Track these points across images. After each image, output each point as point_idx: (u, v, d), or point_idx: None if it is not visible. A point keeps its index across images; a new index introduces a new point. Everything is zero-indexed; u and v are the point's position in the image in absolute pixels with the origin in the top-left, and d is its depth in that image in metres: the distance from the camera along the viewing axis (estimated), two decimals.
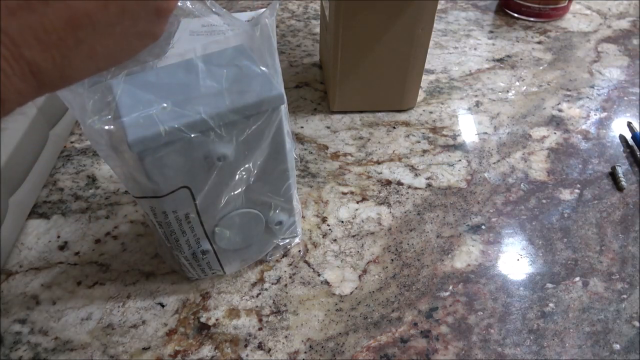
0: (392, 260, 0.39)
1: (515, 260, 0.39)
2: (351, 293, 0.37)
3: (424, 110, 0.53)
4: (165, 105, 0.26)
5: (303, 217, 0.42)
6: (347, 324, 0.35)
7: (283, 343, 0.34)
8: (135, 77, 0.28)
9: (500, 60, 0.61)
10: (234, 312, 0.35)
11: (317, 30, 0.66)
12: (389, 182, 0.45)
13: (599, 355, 0.33)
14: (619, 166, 0.46)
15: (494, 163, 0.47)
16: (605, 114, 0.53)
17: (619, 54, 0.63)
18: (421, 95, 0.55)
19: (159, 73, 0.28)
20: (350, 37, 0.46)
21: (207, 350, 0.33)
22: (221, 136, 0.27)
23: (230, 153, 0.28)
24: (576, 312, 0.36)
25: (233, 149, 0.28)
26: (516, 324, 0.35)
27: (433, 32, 0.49)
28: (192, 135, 0.26)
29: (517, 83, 0.58)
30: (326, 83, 0.55)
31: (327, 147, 0.49)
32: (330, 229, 0.41)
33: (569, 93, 0.56)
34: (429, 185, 0.45)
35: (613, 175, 0.46)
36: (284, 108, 0.29)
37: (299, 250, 0.39)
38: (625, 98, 0.56)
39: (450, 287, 0.37)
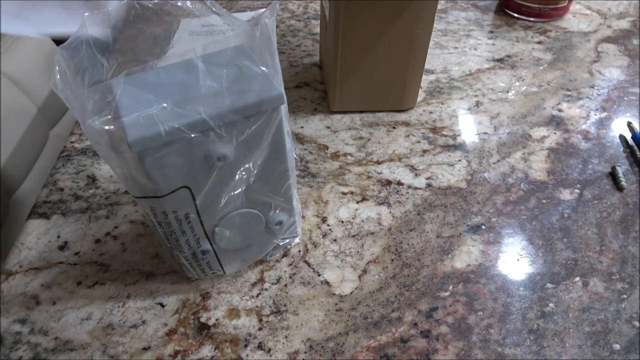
0: (392, 260, 0.39)
1: (515, 260, 0.39)
2: (351, 293, 0.37)
3: (424, 110, 0.53)
4: (165, 105, 0.26)
5: (303, 217, 0.42)
6: (347, 324, 0.35)
7: (283, 343, 0.34)
8: (135, 77, 0.28)
9: (500, 60, 0.61)
10: (234, 312, 0.35)
11: (317, 30, 0.66)
12: (389, 182, 0.45)
13: (599, 355, 0.33)
14: (619, 166, 0.46)
15: (494, 163, 0.47)
16: (605, 114, 0.53)
17: (619, 54, 0.63)
18: (421, 95, 0.55)
19: (159, 73, 0.28)
20: (350, 37, 0.46)
21: (207, 350, 0.33)
22: (221, 136, 0.27)
23: (230, 153, 0.28)
24: (576, 312, 0.36)
25: (233, 149, 0.28)
26: (516, 324, 0.35)
27: (433, 32, 0.49)
28: (192, 135, 0.26)
29: (517, 83, 0.58)
30: (326, 83, 0.55)
31: (327, 147, 0.49)
32: (330, 229, 0.41)
33: (569, 93, 0.56)
34: (429, 185, 0.45)
35: (613, 175, 0.46)
36: (284, 108, 0.29)
37: (299, 250, 0.39)
38: (625, 98, 0.56)
39: (450, 287, 0.37)
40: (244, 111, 0.27)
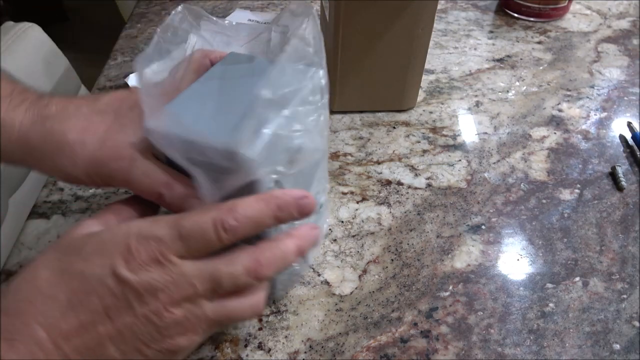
0: (392, 260, 0.39)
1: (515, 260, 0.39)
2: (351, 293, 0.37)
3: (424, 110, 0.53)
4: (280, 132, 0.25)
5: None
6: (347, 324, 0.35)
7: (283, 343, 0.34)
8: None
9: (500, 60, 0.61)
10: None
11: None
12: (389, 182, 0.45)
13: (599, 355, 0.33)
14: (619, 166, 0.46)
15: (494, 163, 0.47)
16: (605, 114, 0.53)
17: (619, 54, 0.63)
18: (421, 95, 0.55)
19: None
20: (350, 37, 0.46)
21: (207, 350, 0.33)
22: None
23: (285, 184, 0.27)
24: (576, 312, 0.36)
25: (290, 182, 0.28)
26: (516, 324, 0.35)
27: (433, 32, 0.49)
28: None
29: (517, 83, 0.58)
30: None
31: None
32: (330, 229, 0.41)
33: (569, 93, 0.56)
34: (429, 185, 0.45)
35: (613, 175, 0.46)
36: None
37: None
38: (625, 98, 0.56)
39: (450, 287, 0.37)
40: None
